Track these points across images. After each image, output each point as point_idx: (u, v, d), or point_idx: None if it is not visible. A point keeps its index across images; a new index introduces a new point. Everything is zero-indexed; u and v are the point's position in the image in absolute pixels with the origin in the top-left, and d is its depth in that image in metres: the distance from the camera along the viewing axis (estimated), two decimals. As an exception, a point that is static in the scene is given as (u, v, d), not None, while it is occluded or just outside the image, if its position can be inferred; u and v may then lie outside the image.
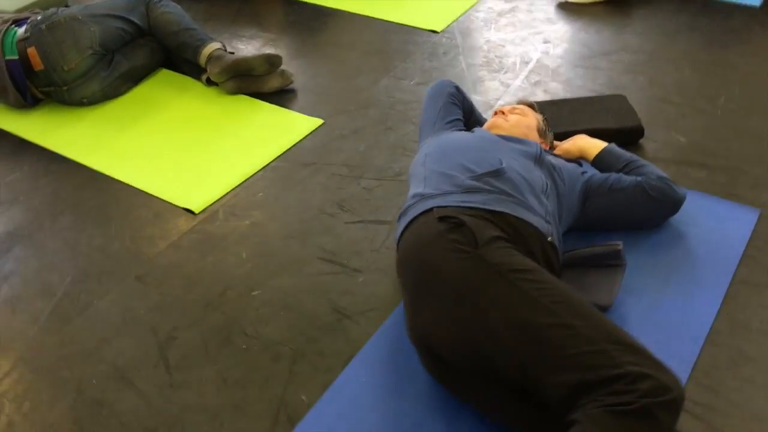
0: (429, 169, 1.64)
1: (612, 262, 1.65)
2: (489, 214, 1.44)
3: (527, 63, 2.64)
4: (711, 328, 1.56)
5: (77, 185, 2.23)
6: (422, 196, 1.54)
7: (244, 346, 1.64)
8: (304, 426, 1.45)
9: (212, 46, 2.60)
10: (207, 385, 1.56)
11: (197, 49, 2.60)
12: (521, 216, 1.46)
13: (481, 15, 3.02)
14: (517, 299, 1.24)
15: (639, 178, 1.78)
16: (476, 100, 2.43)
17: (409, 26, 2.97)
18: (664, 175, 1.79)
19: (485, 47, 2.77)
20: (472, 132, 1.84)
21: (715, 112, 2.27)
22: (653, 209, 1.78)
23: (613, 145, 1.93)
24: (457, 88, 2.06)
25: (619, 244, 1.63)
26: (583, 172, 1.81)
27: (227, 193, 2.12)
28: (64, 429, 1.49)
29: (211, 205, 2.08)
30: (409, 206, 1.55)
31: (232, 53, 2.67)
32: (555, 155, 1.87)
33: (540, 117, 1.99)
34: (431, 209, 1.47)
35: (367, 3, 3.15)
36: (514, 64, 2.65)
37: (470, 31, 2.91)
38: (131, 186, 2.19)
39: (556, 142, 2.05)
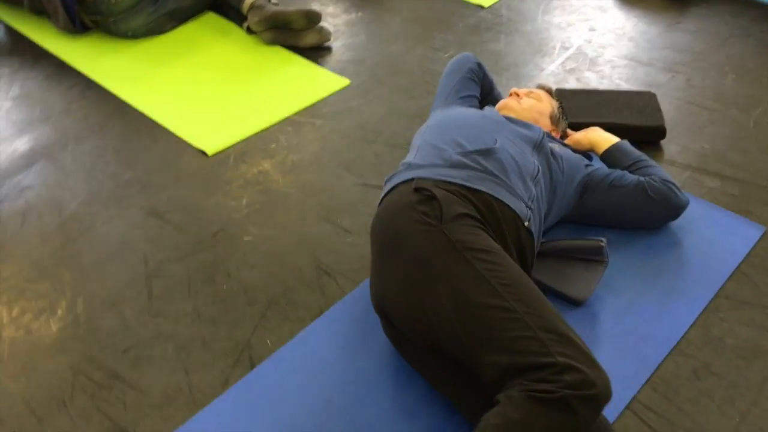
0: (424, 140, 1.65)
1: (594, 258, 1.63)
2: (467, 191, 1.45)
3: (567, 49, 2.59)
4: (682, 338, 1.54)
5: (106, 113, 2.32)
6: (409, 165, 1.56)
7: (225, 287, 1.70)
8: (262, 369, 1.51)
9: (256, -5, 2.64)
10: (182, 318, 1.63)
11: (241, -2, 2.65)
12: (500, 197, 1.46)
13: (533, -5, 2.97)
14: (466, 276, 1.26)
15: (642, 178, 1.75)
16: (507, 80, 2.41)
17: (457, -2, 2.95)
18: (670, 178, 1.75)
19: (528, 28, 2.73)
20: (482, 110, 1.83)
21: (748, 124, 2.19)
22: (652, 211, 1.75)
23: (625, 142, 1.89)
24: (479, 65, 2.04)
25: (603, 241, 1.61)
26: (587, 165, 1.79)
27: (242, 140, 2.18)
28: (46, 338, 1.59)
29: (224, 149, 2.14)
30: (395, 173, 1.57)
31: (276, 4, 2.70)
32: (564, 144, 1.85)
33: (556, 104, 1.96)
34: (412, 179, 1.49)
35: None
36: (554, 48, 2.60)
37: (518, 10, 2.86)
38: (155, 121, 2.27)
39: (569, 131, 2.03)
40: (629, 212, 1.76)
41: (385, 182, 1.59)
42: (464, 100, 1.94)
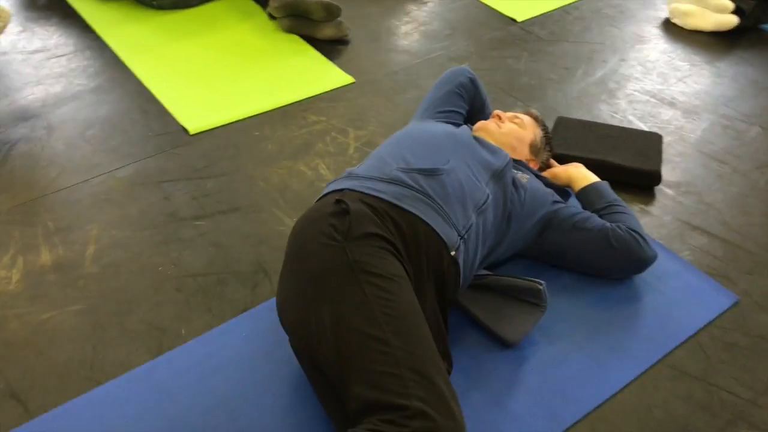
0: (377, 152, 1.59)
1: (531, 300, 1.54)
2: (394, 209, 1.38)
3: (588, 77, 2.46)
4: (607, 401, 1.43)
5: (110, 78, 2.35)
6: (349, 174, 1.50)
7: (160, 268, 1.69)
8: (167, 357, 1.49)
9: (281, -19, 2.62)
10: (109, 293, 1.63)
11: (267, -18, 2.64)
12: (428, 221, 1.38)
13: (573, 15, 2.84)
14: (353, 299, 1.20)
15: (608, 224, 1.64)
16: (515, 100, 2.31)
17: (492, 8, 2.85)
18: (638, 228, 1.63)
19: (555, 50, 2.61)
20: (455, 127, 1.75)
21: (758, 184, 2.02)
22: (612, 260, 1.63)
23: (604, 183, 1.78)
24: (472, 80, 1.96)
25: (542, 284, 1.51)
26: (555, 201, 1.69)
27: (227, 124, 2.16)
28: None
29: (206, 130, 2.13)
30: (335, 179, 1.52)
31: (319, 1, 2.67)
32: (538, 176, 1.75)
33: (539, 132, 1.86)
34: (343, 189, 1.43)
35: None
36: (574, 74, 2.48)
37: (552, 29, 2.74)
38: (150, 92, 2.28)
39: (552, 162, 1.92)
40: (588, 258, 1.66)
41: (326, 186, 1.54)
42: (444, 114, 1.87)
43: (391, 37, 2.65)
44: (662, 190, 1.98)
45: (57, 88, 2.30)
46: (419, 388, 1.09)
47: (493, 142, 1.74)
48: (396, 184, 1.44)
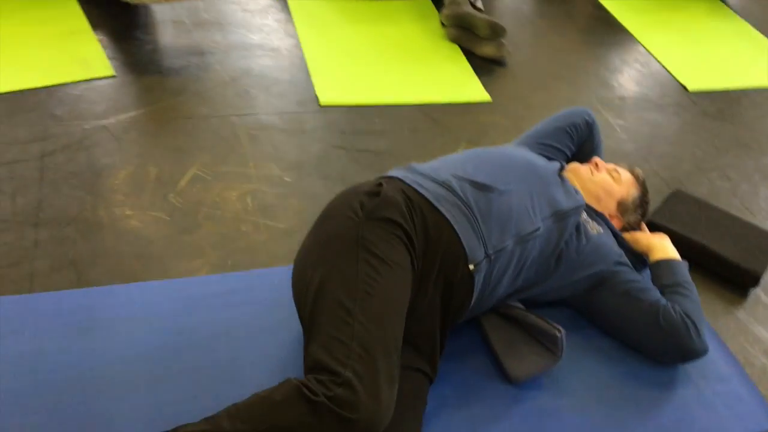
0: (450, 156, 1.63)
1: (548, 344, 1.50)
2: (428, 207, 1.41)
3: (737, 164, 2.29)
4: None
5: (281, 41, 2.59)
6: (409, 167, 1.55)
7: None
8: (208, 279, 1.64)
9: (460, -8, 2.71)
10: (194, 207, 1.81)
11: (447, -12, 2.74)
12: (456, 228, 1.40)
13: (752, 100, 2.64)
14: (345, 270, 1.26)
15: (663, 301, 1.54)
16: (648, 162, 2.22)
17: (666, 69, 2.73)
18: (694, 317, 1.51)
19: (716, 129, 2.45)
20: (546, 161, 1.73)
21: None
22: (656, 339, 1.53)
23: (681, 263, 1.66)
24: (589, 123, 1.91)
25: (561, 331, 1.46)
26: (619, 263, 1.62)
27: (355, 105, 2.29)
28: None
29: (334, 105, 2.28)
30: (395, 168, 1.57)
31: (480, 9, 2.74)
32: (617, 235, 1.69)
33: (635, 193, 1.78)
34: (393, 177, 1.49)
35: (662, 36, 2.95)
36: (724, 153, 2.31)
37: (721, 108, 2.58)
38: (304, 60, 2.48)
39: (643, 226, 1.83)
40: (631, 329, 1.57)
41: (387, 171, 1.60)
42: (541, 147, 1.84)
43: (544, 73, 2.64)
44: (758, 295, 1.81)
45: (233, 37, 2.57)
46: (359, 363, 1.13)
47: (578, 187, 1.71)
48: (443, 186, 1.47)
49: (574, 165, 1.78)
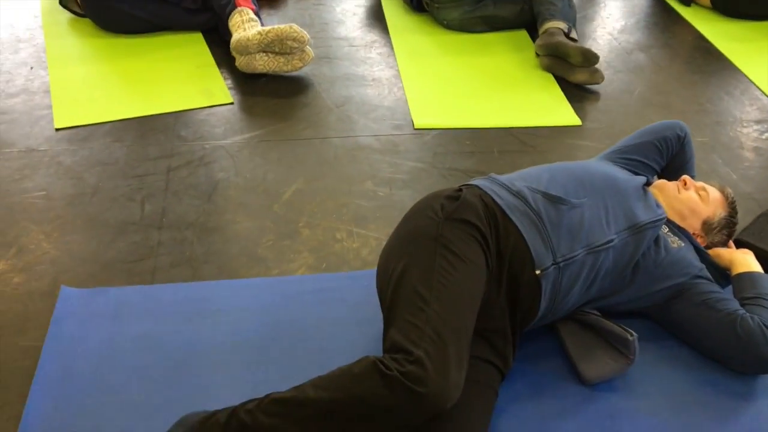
0: (528, 170, 1.70)
1: (620, 348, 1.54)
2: (501, 214, 1.51)
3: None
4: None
5: (382, 71, 2.78)
6: (489, 177, 1.64)
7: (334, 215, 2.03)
8: (303, 278, 1.81)
9: (555, 24, 2.80)
10: (292, 216, 2.00)
11: (543, 21, 2.84)
12: (525, 235, 1.48)
13: None
14: (424, 263, 1.38)
15: (741, 310, 1.56)
16: (736, 173, 2.21)
17: (752, 82, 2.70)
18: (777, 328, 1.52)
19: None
20: (631, 175, 1.76)
21: None
22: (733, 349, 1.55)
23: (764, 276, 1.67)
24: (680, 138, 1.90)
25: (633, 335, 1.51)
26: (698, 276, 1.64)
27: (447, 129, 2.43)
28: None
29: (428, 128, 2.43)
30: (477, 178, 1.66)
31: (574, 40, 2.83)
32: (702, 252, 1.71)
33: (722, 213, 1.78)
34: (473, 185, 1.60)
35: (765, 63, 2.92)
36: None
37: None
38: (402, 84, 2.66)
39: (730, 244, 1.83)
40: (708, 339, 1.59)
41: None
42: (625, 161, 1.86)
43: (638, 100, 2.68)
44: None
45: (339, 69, 2.79)
46: (430, 344, 1.24)
47: (662, 203, 1.73)
48: (516, 197, 1.55)
49: (662, 182, 1.81)
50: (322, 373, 1.32)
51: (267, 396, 1.30)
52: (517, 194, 1.57)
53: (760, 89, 2.74)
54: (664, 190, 1.78)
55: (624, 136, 1.94)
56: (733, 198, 1.83)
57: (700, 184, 1.82)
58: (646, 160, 1.89)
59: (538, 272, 1.49)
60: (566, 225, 1.53)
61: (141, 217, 1.99)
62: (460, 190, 1.55)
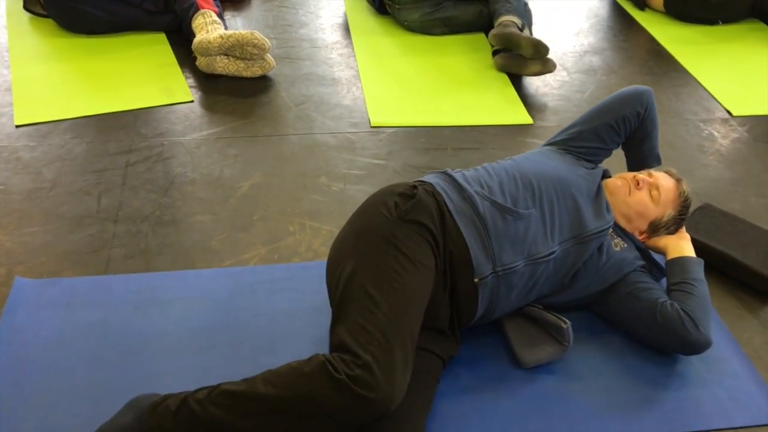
0: (485, 166, 1.71)
1: (556, 335, 1.61)
2: (450, 217, 1.53)
3: (775, 181, 2.34)
4: (581, 445, 1.47)
5: (342, 71, 2.84)
6: (444, 173, 1.66)
7: (288, 209, 2.08)
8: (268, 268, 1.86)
9: (510, 18, 2.86)
10: (239, 209, 2.05)
11: (498, 16, 2.90)
12: (468, 241, 1.52)
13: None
14: (375, 263, 1.41)
15: (663, 299, 1.63)
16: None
17: (711, 95, 2.80)
18: (693, 313, 1.58)
19: (756, 152, 2.50)
20: (586, 170, 1.75)
21: None
22: (655, 334, 1.63)
23: (694, 260, 1.72)
24: (639, 115, 1.82)
25: (566, 323, 1.58)
26: (631, 272, 1.70)
27: (401, 126, 2.50)
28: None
29: (384, 126, 2.49)
30: (431, 173, 1.69)
31: (529, 37, 2.88)
32: (641, 248, 1.77)
33: (672, 213, 1.78)
34: (427, 182, 1.62)
35: (711, 65, 3.03)
36: (763, 177, 2.36)
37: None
38: (361, 87, 2.72)
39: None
40: (636, 327, 1.68)
41: (424, 175, 1.72)
42: (583, 152, 1.80)
43: (590, 99, 2.76)
44: (777, 301, 1.86)
45: (300, 70, 2.85)
46: (378, 347, 1.29)
47: (611, 205, 1.73)
48: (466, 201, 1.57)
49: (613, 182, 1.78)
50: (272, 360, 1.36)
51: (217, 386, 1.32)
52: (468, 199, 1.58)
53: (707, 90, 2.84)
54: (614, 192, 1.76)
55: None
56: (686, 195, 1.81)
57: (654, 180, 1.77)
58: (603, 145, 1.85)
59: (476, 280, 1.53)
60: (511, 235, 1.56)
61: (97, 211, 2.02)
62: (414, 187, 1.58)
